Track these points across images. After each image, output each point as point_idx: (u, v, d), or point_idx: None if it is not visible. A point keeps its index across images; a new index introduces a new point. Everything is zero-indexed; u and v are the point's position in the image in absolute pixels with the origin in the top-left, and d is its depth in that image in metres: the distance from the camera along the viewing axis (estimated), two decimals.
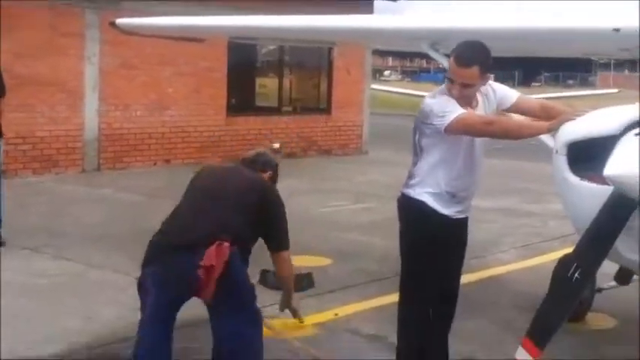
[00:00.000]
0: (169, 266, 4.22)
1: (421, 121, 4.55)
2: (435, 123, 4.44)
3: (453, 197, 4.59)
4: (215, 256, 4.06)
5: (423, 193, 4.58)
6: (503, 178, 14.10)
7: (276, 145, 16.36)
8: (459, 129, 4.38)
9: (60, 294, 6.65)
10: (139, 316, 5.97)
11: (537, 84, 72.67)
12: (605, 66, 75.30)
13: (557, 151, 4.10)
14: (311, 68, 17.92)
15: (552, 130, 4.36)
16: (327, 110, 17.46)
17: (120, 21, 8.18)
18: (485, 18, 5.53)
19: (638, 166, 3.59)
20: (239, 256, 4.31)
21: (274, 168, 5.11)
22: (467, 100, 4.51)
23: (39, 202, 10.86)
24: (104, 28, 12.21)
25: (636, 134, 3.75)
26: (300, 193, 12.27)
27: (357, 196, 12.07)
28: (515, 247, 8.91)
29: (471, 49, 4.52)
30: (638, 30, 4.74)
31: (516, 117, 4.52)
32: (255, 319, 4.42)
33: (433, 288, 4.68)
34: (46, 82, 12.91)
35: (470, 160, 4.58)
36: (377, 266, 7.60)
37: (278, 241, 4.92)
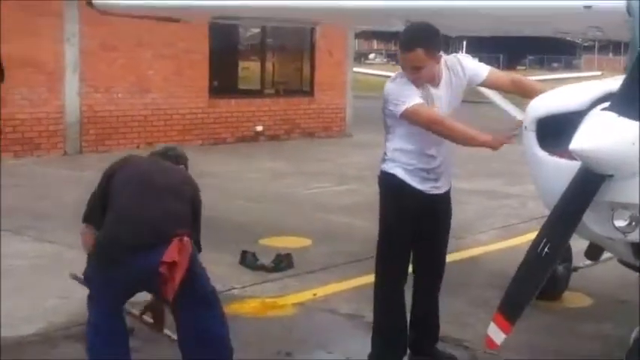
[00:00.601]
0: (127, 269, 4.04)
1: (383, 103, 4.66)
2: (390, 109, 4.57)
3: (426, 172, 4.64)
4: (178, 252, 3.94)
5: (395, 167, 4.67)
6: (486, 160, 14.14)
7: (260, 128, 16.43)
8: (409, 120, 4.51)
9: (39, 275, 6.65)
10: None
11: (522, 67, 72.68)
12: (590, 49, 75.48)
13: (526, 127, 4.12)
14: (293, 51, 17.88)
15: (495, 148, 4.52)
16: (310, 93, 17.44)
17: (97, 1, 8.13)
18: None
19: (602, 140, 3.62)
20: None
21: (186, 162, 4.78)
22: (425, 80, 4.56)
23: (20, 184, 10.81)
24: (83, 8, 12.11)
25: (603, 109, 3.77)
26: (283, 175, 12.30)
27: (340, 178, 12.09)
28: (494, 228, 8.96)
29: (413, 31, 4.61)
30: (609, 7, 4.76)
31: (462, 126, 4.48)
32: (214, 304, 4.30)
33: (405, 262, 4.73)
34: (25, 64, 12.81)
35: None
36: (357, 247, 7.62)
37: (197, 242, 4.48)
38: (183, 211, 4.22)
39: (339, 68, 17.82)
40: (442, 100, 4.63)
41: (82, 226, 4.67)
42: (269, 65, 17.31)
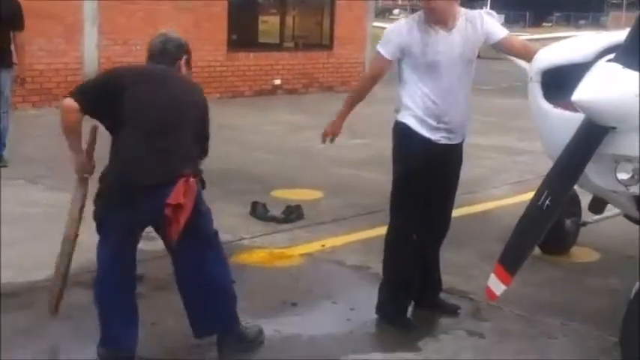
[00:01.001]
0: (136, 210, 4.00)
1: None
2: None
3: (437, 122, 4.63)
4: (183, 193, 3.88)
5: (406, 116, 4.68)
6: (503, 116, 14.10)
7: (278, 82, 16.39)
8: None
9: (51, 223, 6.68)
10: None
11: (548, 24, 71.83)
12: (617, 6, 74.31)
13: (531, 79, 4.09)
14: (313, 4, 17.76)
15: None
16: (329, 47, 17.36)
17: None
18: None
19: (605, 91, 3.59)
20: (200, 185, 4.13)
21: (187, 48, 4.41)
22: (439, 16, 4.53)
23: (38, 134, 10.87)
24: None
25: (608, 60, 3.73)
26: (300, 128, 12.30)
27: (356, 132, 12.00)
28: (508, 184, 8.94)
29: None
30: None
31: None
32: (217, 246, 4.26)
33: (415, 212, 4.76)
34: (45, 15, 12.81)
35: (448, 83, 4.59)
36: (369, 200, 7.64)
37: (204, 148, 4.35)
38: (190, 144, 4.10)
39: (359, 23, 17.70)
40: (453, 46, 4.58)
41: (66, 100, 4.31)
42: (289, 19, 17.21)
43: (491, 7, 46.14)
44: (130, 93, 4.10)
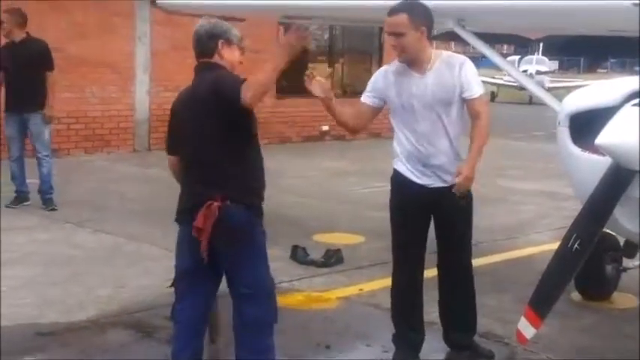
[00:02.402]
0: (184, 228, 4.13)
1: None
2: None
3: (423, 165, 4.66)
4: (204, 218, 3.95)
5: (397, 162, 4.77)
6: (547, 162, 14.02)
7: (326, 128, 16.53)
8: None
9: (95, 265, 6.88)
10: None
11: (603, 70, 71.28)
12: None
13: (559, 123, 4.12)
14: (362, 52, 17.95)
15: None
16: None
17: (160, 1, 8.35)
18: None
19: (629, 135, 3.60)
20: (240, 205, 4.02)
21: (221, 28, 4.15)
22: (409, 54, 4.55)
23: (88, 179, 11.15)
24: (154, 9, 12.42)
25: (634, 104, 3.74)
26: (344, 173, 12.40)
27: None
28: (551, 229, 8.86)
29: (402, 2, 4.62)
30: None
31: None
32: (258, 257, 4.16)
33: (416, 251, 4.82)
34: (98, 63, 13.19)
35: (427, 126, 4.60)
36: None
37: (235, 85, 3.88)
38: (221, 167, 4.02)
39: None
40: (427, 88, 4.58)
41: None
42: (337, 66, 17.40)
43: (545, 53, 46.01)
44: (173, 126, 4.23)
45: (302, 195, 10.28)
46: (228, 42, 4.14)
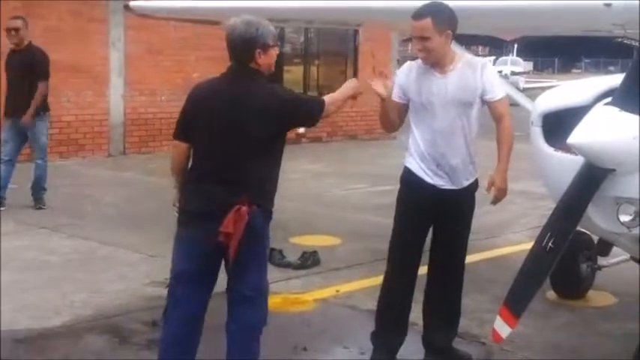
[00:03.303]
0: (193, 230, 4.04)
1: None
2: None
3: (436, 165, 4.67)
4: (233, 223, 3.89)
5: (410, 160, 4.76)
6: (524, 162, 14.07)
7: (301, 130, 16.50)
8: None
9: (70, 270, 6.83)
10: (145, 290, 6.22)
11: (577, 70, 71.74)
12: None
13: (532, 123, 4.14)
14: (337, 54, 17.96)
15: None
16: (352, 95, 17.46)
17: (134, 4, 8.31)
18: None
19: (601, 134, 3.63)
20: (259, 210, 4.03)
21: (259, 33, 4.03)
22: (433, 57, 4.58)
23: (63, 184, 11.03)
24: (128, 14, 12.37)
25: (605, 104, 3.77)
26: (321, 176, 12.40)
27: (378, 178, 12.11)
28: (528, 229, 8.90)
29: (427, 4, 4.63)
30: (628, 5, 4.73)
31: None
32: (262, 284, 4.21)
33: (414, 253, 4.83)
34: (72, 68, 13.10)
35: (443, 125, 4.63)
36: (385, 246, 7.62)
37: (314, 115, 4.12)
38: (250, 168, 3.99)
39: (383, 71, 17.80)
40: (447, 88, 4.61)
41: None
42: (312, 69, 17.41)
43: (520, 54, 46.28)
44: (191, 116, 4.12)
45: (279, 197, 10.15)
46: (265, 48, 4.04)
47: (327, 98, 4.17)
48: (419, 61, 4.73)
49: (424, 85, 4.65)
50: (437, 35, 4.52)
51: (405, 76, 4.76)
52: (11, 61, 9.15)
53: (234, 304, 4.14)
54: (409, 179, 4.76)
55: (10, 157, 9.05)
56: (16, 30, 9.12)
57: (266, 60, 4.07)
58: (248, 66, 4.04)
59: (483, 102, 4.65)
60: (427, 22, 4.51)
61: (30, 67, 9.00)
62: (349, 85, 4.34)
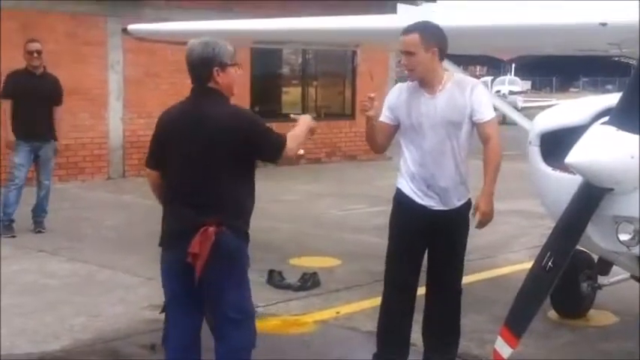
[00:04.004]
0: (171, 252, 4.07)
1: None
2: None
3: (426, 186, 4.68)
4: (199, 243, 3.91)
5: (401, 181, 4.78)
6: (522, 181, 14.06)
7: (301, 152, 16.52)
8: None
9: (69, 294, 6.81)
10: (144, 314, 6.20)
11: (575, 89, 71.91)
12: None
13: (530, 142, 4.14)
14: (335, 75, 18.02)
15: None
16: (351, 116, 17.54)
17: (132, 27, 8.34)
18: (474, 15, 5.58)
19: (599, 153, 3.63)
20: (231, 230, 3.99)
21: (216, 52, 4.03)
22: (419, 73, 4.60)
23: (62, 208, 11.01)
24: (127, 37, 12.41)
25: (603, 123, 3.78)
26: (320, 197, 12.39)
27: (375, 199, 12.08)
28: (527, 248, 8.90)
29: (416, 22, 4.69)
30: (624, 24, 4.75)
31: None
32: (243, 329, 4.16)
33: (409, 274, 4.84)
34: (71, 91, 13.07)
35: (433, 146, 4.64)
36: (384, 267, 7.64)
37: (277, 148, 4.06)
38: (219, 188, 4.00)
39: (381, 91, 17.82)
40: (436, 109, 4.63)
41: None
42: (311, 90, 17.47)
43: (518, 73, 46.41)
44: (160, 142, 4.15)
45: (277, 219, 10.24)
46: (223, 67, 4.06)
47: (288, 135, 4.11)
48: (409, 83, 4.75)
49: (413, 106, 4.67)
50: (423, 51, 4.55)
51: (396, 97, 4.78)
52: (26, 84, 9.08)
53: (218, 327, 4.12)
54: (400, 200, 4.79)
55: (23, 182, 9.13)
56: (39, 52, 9.24)
57: (225, 79, 4.07)
58: (207, 86, 4.06)
59: (473, 123, 4.66)
60: (414, 36, 4.56)
61: (50, 93, 9.18)
62: (305, 121, 4.28)
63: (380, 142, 4.84)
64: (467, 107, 4.62)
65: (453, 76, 4.75)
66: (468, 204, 4.82)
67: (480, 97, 4.66)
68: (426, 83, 4.65)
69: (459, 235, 4.85)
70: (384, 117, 4.79)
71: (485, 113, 4.64)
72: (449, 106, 4.63)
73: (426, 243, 4.81)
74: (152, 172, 4.20)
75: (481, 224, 4.65)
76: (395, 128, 4.81)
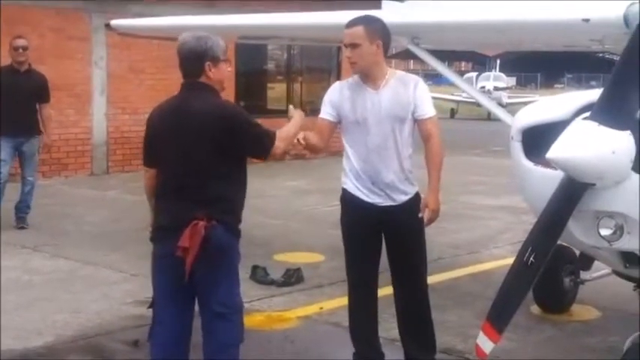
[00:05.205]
0: (162, 247, 4.07)
1: None
2: None
3: (371, 182, 4.66)
4: (189, 237, 3.90)
5: (346, 181, 4.79)
6: (507, 176, 14.12)
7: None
8: None
9: (52, 290, 6.78)
10: (126, 310, 6.19)
11: (560, 85, 72.18)
12: None
13: (512, 138, 4.16)
14: (320, 70, 18.00)
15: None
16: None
17: (115, 22, 8.30)
18: (458, 12, 5.59)
19: (579, 149, 3.64)
20: (221, 226, 4.01)
21: (208, 46, 4.03)
22: (362, 66, 4.58)
23: (46, 204, 10.96)
24: (111, 32, 12.36)
25: (584, 118, 3.79)
26: (305, 193, 12.39)
27: None
28: (512, 243, 8.92)
29: (361, 15, 4.70)
30: (606, 20, 4.77)
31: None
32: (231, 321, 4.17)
33: (367, 273, 4.85)
34: (54, 87, 12.99)
35: (377, 141, 4.61)
36: None
37: (264, 144, 4.11)
38: (206, 188, 4.01)
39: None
40: (381, 104, 4.62)
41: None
42: (296, 85, 17.45)
43: (502, 69, 46.50)
44: (151, 138, 4.15)
45: (262, 215, 10.23)
46: (215, 62, 4.05)
47: (279, 132, 4.15)
48: (350, 79, 4.75)
49: (358, 102, 4.65)
50: (367, 43, 4.55)
51: (338, 93, 4.74)
52: (10, 81, 9.00)
53: (206, 321, 4.12)
54: (347, 200, 4.79)
55: (6, 178, 9.11)
56: (24, 48, 9.19)
57: (217, 74, 4.08)
58: (199, 81, 4.05)
59: (414, 119, 4.67)
60: (359, 29, 4.56)
61: (35, 90, 9.14)
62: (298, 117, 4.33)
63: (320, 142, 4.75)
64: (410, 103, 4.63)
65: (395, 72, 4.74)
66: (416, 198, 4.77)
67: (423, 93, 4.68)
68: (370, 77, 4.63)
69: (410, 230, 4.78)
70: (325, 114, 4.75)
71: (427, 110, 4.66)
72: (394, 101, 4.62)
73: (380, 240, 4.80)
74: (149, 170, 4.19)
75: (430, 221, 4.65)
76: (335, 125, 4.78)
